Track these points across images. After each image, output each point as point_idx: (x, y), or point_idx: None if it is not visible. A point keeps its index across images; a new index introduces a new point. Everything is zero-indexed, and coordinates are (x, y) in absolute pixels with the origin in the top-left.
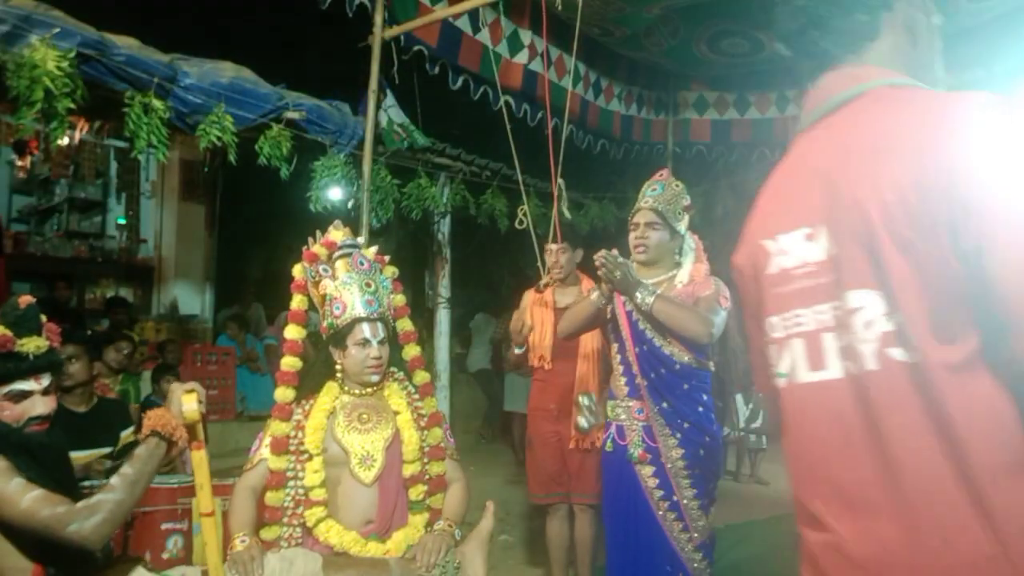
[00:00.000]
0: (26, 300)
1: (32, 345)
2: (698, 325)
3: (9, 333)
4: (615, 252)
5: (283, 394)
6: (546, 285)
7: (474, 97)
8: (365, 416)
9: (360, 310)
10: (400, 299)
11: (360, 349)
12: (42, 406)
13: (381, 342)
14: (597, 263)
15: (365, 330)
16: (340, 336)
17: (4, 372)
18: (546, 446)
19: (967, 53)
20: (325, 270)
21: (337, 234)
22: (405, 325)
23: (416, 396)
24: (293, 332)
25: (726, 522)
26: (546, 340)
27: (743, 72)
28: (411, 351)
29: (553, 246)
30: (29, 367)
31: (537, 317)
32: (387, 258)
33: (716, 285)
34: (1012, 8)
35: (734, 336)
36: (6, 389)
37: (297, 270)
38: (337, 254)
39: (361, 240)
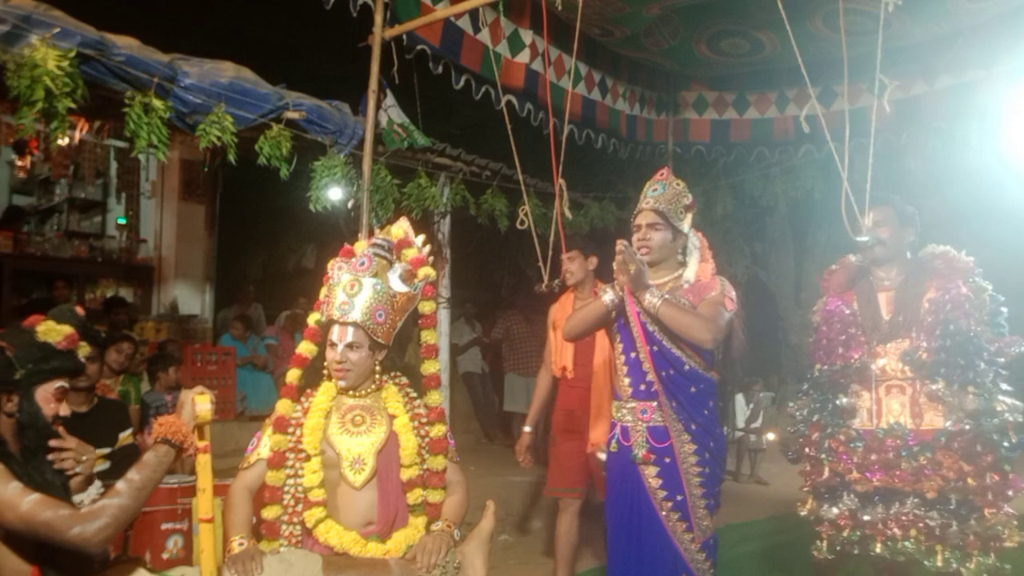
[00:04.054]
0: (81, 310)
1: (85, 350)
2: (703, 332)
3: (77, 334)
4: (636, 248)
5: (293, 375)
6: (547, 287)
7: (476, 97)
8: (359, 418)
9: (334, 311)
10: (428, 306)
11: (330, 350)
12: (66, 408)
13: (350, 346)
14: (617, 249)
15: (334, 332)
16: (324, 334)
17: (64, 368)
18: (568, 443)
19: (967, 53)
20: (339, 267)
21: (391, 231)
22: (429, 338)
23: (417, 401)
24: (314, 320)
25: (726, 522)
26: (567, 351)
27: (743, 72)
28: (430, 367)
29: (564, 256)
30: (80, 369)
31: (559, 330)
32: (430, 259)
33: (722, 285)
34: (1012, 8)
35: (738, 335)
36: (58, 384)
37: (329, 264)
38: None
39: (409, 239)
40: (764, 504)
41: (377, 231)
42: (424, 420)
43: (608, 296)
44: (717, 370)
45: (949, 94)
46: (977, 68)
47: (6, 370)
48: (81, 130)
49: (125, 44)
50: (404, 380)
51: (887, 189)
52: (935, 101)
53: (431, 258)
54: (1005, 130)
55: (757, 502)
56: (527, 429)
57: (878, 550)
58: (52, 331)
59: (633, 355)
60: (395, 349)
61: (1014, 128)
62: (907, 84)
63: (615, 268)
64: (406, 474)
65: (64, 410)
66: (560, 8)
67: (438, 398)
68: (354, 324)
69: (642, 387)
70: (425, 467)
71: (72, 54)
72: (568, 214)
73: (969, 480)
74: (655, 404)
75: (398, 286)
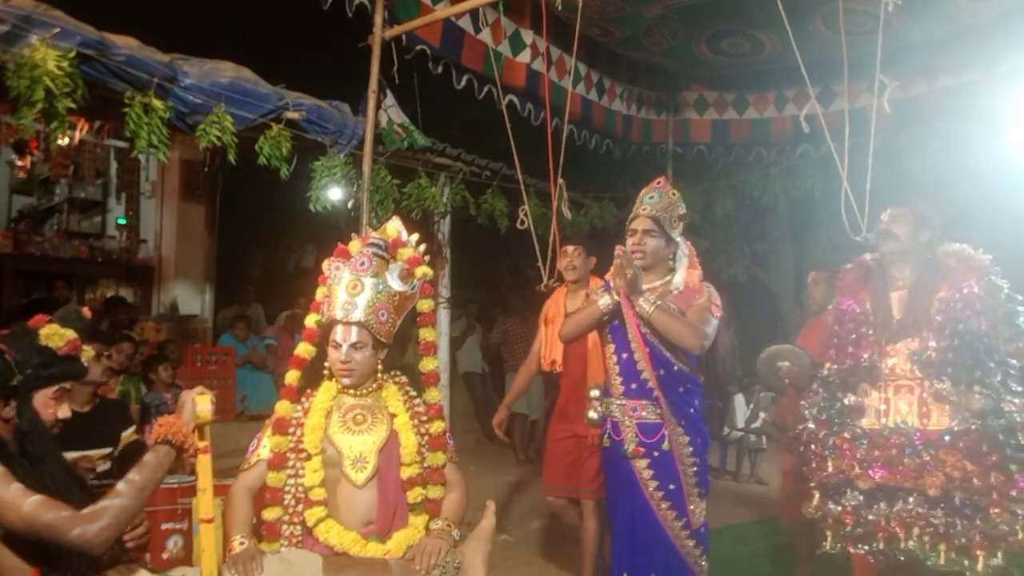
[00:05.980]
0: (88, 312)
1: (88, 354)
2: (692, 339)
3: (79, 339)
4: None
5: (292, 376)
6: (546, 286)
7: (479, 96)
8: (360, 417)
9: (337, 312)
10: (426, 304)
11: (333, 351)
12: (65, 410)
13: (354, 346)
14: (616, 254)
15: (338, 332)
16: (326, 334)
17: (64, 372)
18: (562, 443)
19: (967, 53)
20: (337, 268)
21: (386, 230)
22: (427, 335)
23: (416, 400)
24: (312, 321)
25: (726, 522)
26: (558, 345)
27: (743, 72)
28: (428, 364)
29: (569, 247)
30: (82, 373)
31: (551, 325)
32: (426, 258)
33: (708, 292)
34: (1012, 8)
35: (723, 338)
36: (57, 387)
37: (324, 264)
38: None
39: (402, 239)
40: (764, 504)
41: (370, 231)
42: (424, 418)
43: (604, 301)
44: (704, 371)
45: (949, 94)
46: (977, 68)
47: (3, 376)
48: (81, 130)
49: (125, 44)
50: (403, 379)
51: (887, 189)
52: (935, 101)
53: (427, 257)
54: (1005, 130)
55: (757, 502)
56: (503, 407)
57: (880, 547)
58: (55, 335)
59: (626, 356)
60: (395, 348)
61: (1014, 128)
62: (907, 84)
63: (612, 272)
64: (407, 472)
65: (64, 412)
66: (560, 8)
67: (437, 395)
68: (358, 324)
69: (634, 386)
70: (425, 464)
71: (72, 54)
72: (567, 213)
73: (975, 480)
74: (646, 402)
75: (397, 285)
